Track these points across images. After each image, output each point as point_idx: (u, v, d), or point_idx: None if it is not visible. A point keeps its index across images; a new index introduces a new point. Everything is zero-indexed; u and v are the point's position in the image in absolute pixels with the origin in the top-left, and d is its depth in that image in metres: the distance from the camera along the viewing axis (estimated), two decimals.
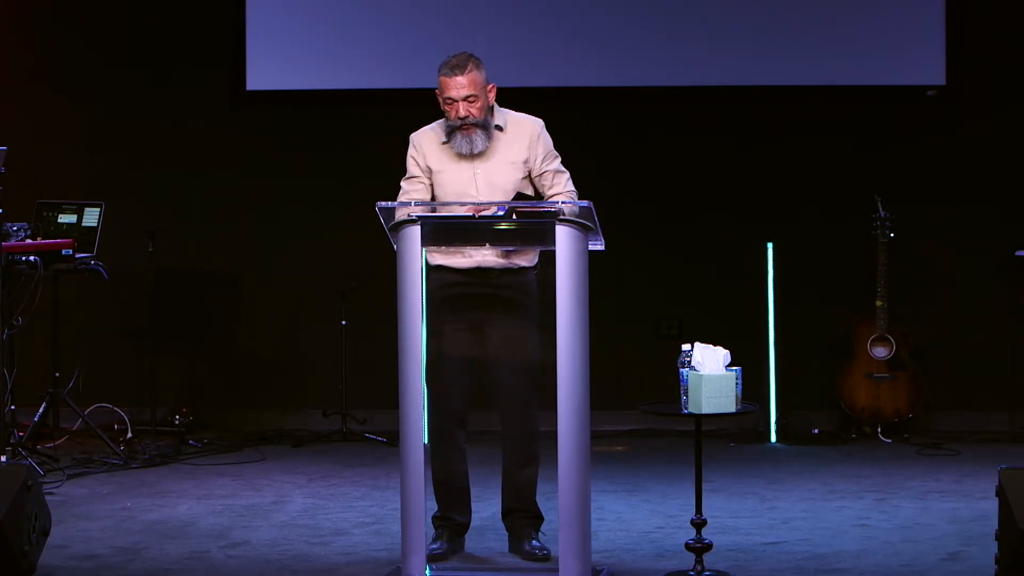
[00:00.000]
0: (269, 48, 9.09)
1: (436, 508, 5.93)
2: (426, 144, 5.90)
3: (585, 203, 5.48)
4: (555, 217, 5.33)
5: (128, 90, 9.19)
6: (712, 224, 9.04)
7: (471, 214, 5.59)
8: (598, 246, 5.50)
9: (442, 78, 5.79)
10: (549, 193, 5.85)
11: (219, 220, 9.20)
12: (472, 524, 6.01)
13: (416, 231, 5.35)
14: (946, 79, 8.87)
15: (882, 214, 8.61)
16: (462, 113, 5.77)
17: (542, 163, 5.88)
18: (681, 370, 5.51)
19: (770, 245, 8.72)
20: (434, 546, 5.83)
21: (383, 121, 8.99)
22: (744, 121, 9.06)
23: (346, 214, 8.87)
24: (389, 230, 5.47)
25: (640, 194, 8.92)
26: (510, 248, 5.71)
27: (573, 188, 5.91)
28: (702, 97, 9.02)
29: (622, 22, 8.95)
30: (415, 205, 5.53)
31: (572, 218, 5.32)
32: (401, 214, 5.48)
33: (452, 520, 5.92)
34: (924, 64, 8.88)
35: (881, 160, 8.97)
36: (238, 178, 9.21)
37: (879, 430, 8.66)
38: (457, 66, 5.77)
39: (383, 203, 5.47)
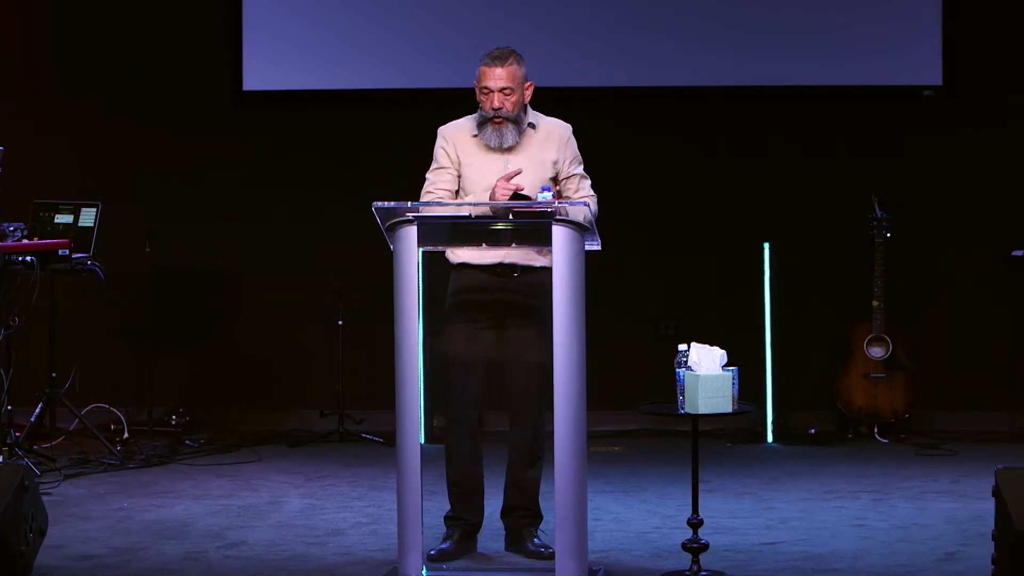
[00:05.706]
0: (266, 48, 9.08)
1: (448, 508, 5.93)
2: (457, 136, 5.88)
3: (580, 203, 5.48)
4: (551, 217, 5.33)
5: (125, 90, 9.18)
6: (710, 224, 9.04)
7: (467, 214, 5.58)
8: (595, 246, 5.50)
9: (482, 67, 5.79)
10: (573, 198, 5.82)
11: (216, 220, 9.19)
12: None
13: (412, 231, 5.35)
14: (943, 79, 8.87)
15: (879, 214, 8.61)
16: (496, 104, 5.76)
17: (569, 166, 5.88)
18: (678, 370, 5.51)
19: (767, 245, 8.72)
20: (444, 545, 5.85)
21: (381, 121, 8.99)
22: (741, 121, 9.06)
23: (344, 214, 8.86)
24: (386, 230, 5.46)
25: (637, 194, 8.92)
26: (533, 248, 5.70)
27: (593, 194, 5.91)
28: (700, 97, 9.02)
29: (621, 23, 8.95)
30: (411, 205, 5.51)
31: (568, 218, 5.31)
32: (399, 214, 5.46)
33: (464, 520, 5.92)
34: (921, 64, 8.88)
35: (878, 160, 8.96)
36: (235, 178, 9.20)
37: (876, 430, 8.65)
38: (498, 57, 5.77)
39: (380, 203, 5.45)
